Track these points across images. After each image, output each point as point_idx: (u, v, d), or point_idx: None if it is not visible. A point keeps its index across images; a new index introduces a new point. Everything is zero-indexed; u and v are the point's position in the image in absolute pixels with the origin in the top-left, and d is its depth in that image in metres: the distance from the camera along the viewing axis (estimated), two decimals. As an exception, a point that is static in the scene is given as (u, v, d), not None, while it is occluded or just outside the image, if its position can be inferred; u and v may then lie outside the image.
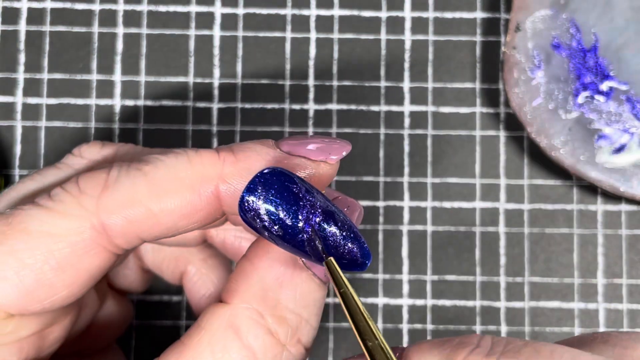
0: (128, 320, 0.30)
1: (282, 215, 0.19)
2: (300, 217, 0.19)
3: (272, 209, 0.19)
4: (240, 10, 0.35)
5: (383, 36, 0.35)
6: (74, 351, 0.26)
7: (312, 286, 0.21)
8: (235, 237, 0.28)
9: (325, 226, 0.19)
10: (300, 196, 0.19)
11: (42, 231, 0.20)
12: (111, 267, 0.22)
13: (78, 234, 0.20)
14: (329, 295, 0.34)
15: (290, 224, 0.19)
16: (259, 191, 0.19)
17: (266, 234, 0.19)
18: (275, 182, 0.19)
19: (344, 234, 0.19)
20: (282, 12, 0.35)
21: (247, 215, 0.19)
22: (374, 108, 0.34)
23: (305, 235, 0.19)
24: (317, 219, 0.19)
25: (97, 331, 0.28)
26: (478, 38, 0.35)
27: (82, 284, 0.21)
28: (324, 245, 0.19)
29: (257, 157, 0.21)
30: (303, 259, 0.20)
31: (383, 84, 0.35)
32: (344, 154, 0.21)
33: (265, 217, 0.19)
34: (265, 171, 0.19)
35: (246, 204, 0.19)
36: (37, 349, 0.22)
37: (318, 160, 0.21)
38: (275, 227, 0.19)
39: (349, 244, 0.19)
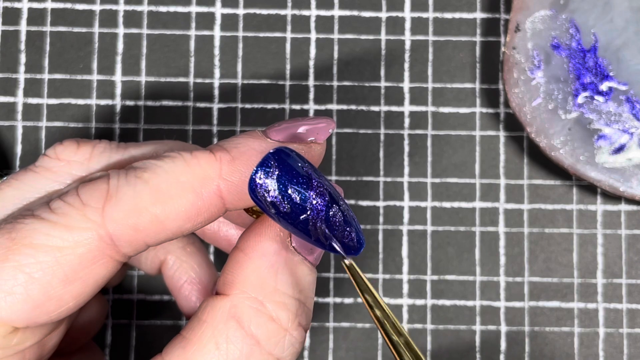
0: (104, 317, 0.30)
1: (291, 192, 0.19)
2: (308, 196, 0.20)
3: (282, 186, 0.19)
4: (241, 11, 0.35)
5: (383, 36, 0.35)
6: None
7: (304, 270, 0.21)
8: (218, 222, 0.28)
9: (331, 209, 0.20)
10: (309, 176, 0.20)
11: (48, 245, 0.20)
12: (114, 274, 0.22)
13: (85, 245, 0.20)
14: (328, 295, 0.34)
15: (299, 202, 0.19)
16: (271, 169, 0.19)
17: (273, 211, 0.20)
18: (286, 158, 0.20)
19: (344, 217, 0.20)
20: (282, 12, 0.35)
21: (257, 194, 0.20)
22: (374, 108, 0.34)
23: (310, 214, 0.20)
24: (324, 199, 0.20)
25: (76, 331, 0.28)
26: (478, 38, 0.35)
27: (88, 294, 0.21)
28: (324, 223, 0.20)
29: (251, 152, 0.21)
30: (294, 245, 0.21)
31: (383, 84, 0.35)
32: (331, 131, 0.22)
33: (276, 194, 0.19)
34: (275, 150, 0.20)
35: (257, 182, 0.19)
36: (37, 357, 0.22)
37: (309, 142, 0.22)
38: (285, 204, 0.19)
39: (348, 228, 0.20)
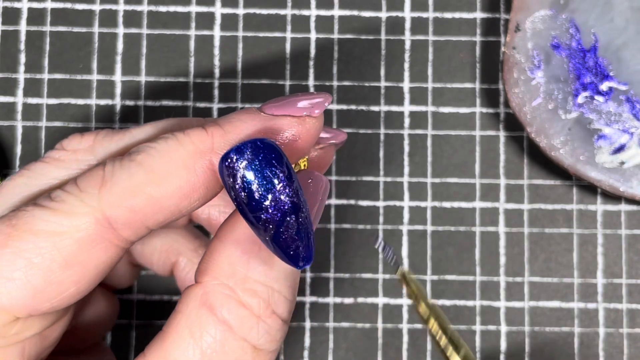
0: (115, 317, 0.30)
1: (253, 187, 0.19)
2: (269, 197, 0.19)
3: (249, 176, 0.19)
4: (240, 11, 0.35)
5: (383, 36, 0.35)
6: (59, 349, 0.26)
7: (279, 260, 0.21)
8: (220, 212, 0.28)
9: (287, 217, 0.20)
10: (279, 178, 0.20)
11: (47, 230, 0.20)
12: (117, 262, 0.22)
13: (83, 230, 0.20)
14: (328, 295, 0.34)
15: (256, 198, 0.19)
16: (247, 154, 0.19)
17: (233, 194, 0.20)
18: (264, 152, 0.20)
19: (298, 229, 0.20)
20: (282, 12, 0.35)
21: (225, 172, 0.20)
22: (374, 108, 0.34)
23: (264, 215, 0.19)
24: (283, 207, 0.20)
25: (84, 328, 0.28)
26: (478, 38, 0.35)
27: (90, 280, 0.21)
28: (273, 227, 0.20)
29: (244, 125, 0.21)
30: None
31: (383, 84, 0.35)
32: (327, 105, 0.22)
33: (239, 181, 0.19)
34: (259, 140, 0.20)
35: (228, 161, 0.19)
36: (38, 350, 0.22)
37: (303, 116, 0.22)
38: (243, 194, 0.19)
39: (296, 243, 0.20)
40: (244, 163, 0.19)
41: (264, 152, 0.20)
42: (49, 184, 0.23)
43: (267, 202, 0.19)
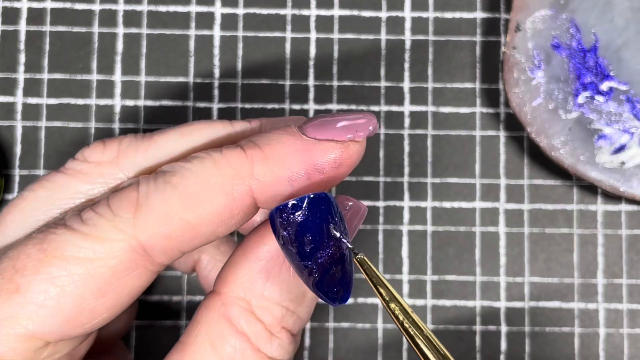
0: (133, 318, 0.30)
1: (305, 241, 0.19)
2: (318, 253, 0.19)
3: (303, 231, 0.19)
4: (240, 10, 0.35)
5: (383, 36, 0.35)
6: None
7: (299, 282, 0.21)
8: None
9: (332, 268, 0.19)
10: (329, 234, 0.19)
11: (80, 257, 0.20)
12: (150, 284, 0.22)
13: (117, 257, 0.20)
14: (329, 295, 0.34)
15: (307, 251, 0.19)
16: (303, 210, 0.19)
17: (282, 242, 0.19)
18: (320, 210, 0.19)
19: (342, 277, 0.20)
20: (282, 12, 0.35)
21: (277, 220, 0.19)
22: (374, 108, 0.34)
23: (312, 265, 0.19)
24: (331, 260, 0.19)
25: (104, 329, 0.28)
26: (478, 38, 0.35)
27: (123, 305, 0.21)
28: (318, 275, 0.20)
29: (285, 150, 0.20)
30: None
31: (383, 84, 0.35)
32: (371, 128, 0.21)
33: (292, 233, 0.19)
34: (317, 195, 0.19)
35: (285, 214, 0.19)
36: None
37: (346, 140, 0.21)
38: (294, 245, 0.19)
39: (338, 287, 0.20)
40: (299, 216, 0.19)
41: (319, 206, 0.19)
42: (74, 199, 0.23)
43: (317, 254, 0.19)
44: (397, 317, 0.20)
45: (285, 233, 0.19)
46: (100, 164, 0.23)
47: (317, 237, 0.19)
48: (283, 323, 0.21)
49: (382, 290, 0.20)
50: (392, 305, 0.20)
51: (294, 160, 0.20)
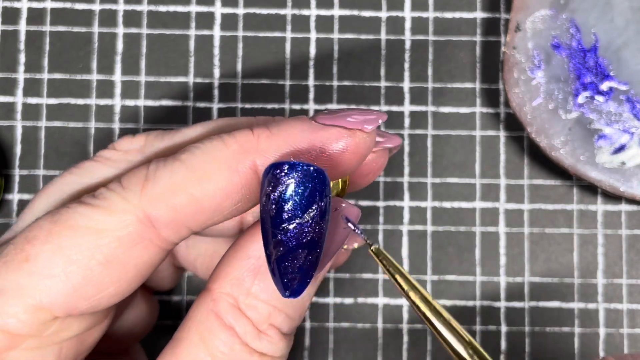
0: (154, 320, 0.30)
1: (287, 206, 0.19)
2: (295, 221, 0.19)
3: (288, 194, 0.19)
4: (240, 10, 0.35)
5: (383, 36, 0.35)
6: (95, 351, 0.26)
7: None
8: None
9: (299, 249, 0.19)
10: (314, 211, 0.19)
11: (88, 227, 0.20)
12: (159, 264, 0.22)
13: (124, 228, 0.20)
14: (328, 295, 0.34)
15: (284, 217, 0.19)
16: (297, 174, 0.19)
17: (263, 200, 0.19)
18: (313, 181, 0.19)
19: (301, 266, 0.20)
20: (282, 12, 0.35)
21: (268, 177, 0.19)
22: (374, 108, 0.34)
23: (281, 236, 0.19)
24: (300, 238, 0.19)
25: (123, 331, 0.28)
26: (478, 38, 0.35)
27: (130, 281, 0.21)
28: (283, 250, 0.19)
29: (292, 130, 0.21)
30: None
31: (383, 84, 0.35)
32: (380, 122, 0.22)
33: (277, 193, 0.19)
34: (313, 167, 0.19)
35: (277, 171, 0.19)
36: (74, 353, 0.22)
37: (354, 129, 0.21)
38: (273, 207, 0.19)
39: (296, 275, 0.20)
40: (291, 180, 0.19)
41: (313, 180, 0.19)
42: (98, 183, 0.23)
43: (290, 226, 0.19)
44: (417, 307, 0.20)
45: (270, 189, 0.19)
46: (127, 152, 0.24)
47: (299, 207, 0.19)
48: (271, 320, 0.21)
49: (400, 280, 0.20)
50: (412, 294, 0.20)
51: (299, 138, 0.21)
